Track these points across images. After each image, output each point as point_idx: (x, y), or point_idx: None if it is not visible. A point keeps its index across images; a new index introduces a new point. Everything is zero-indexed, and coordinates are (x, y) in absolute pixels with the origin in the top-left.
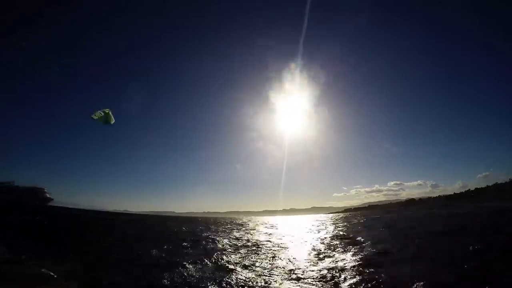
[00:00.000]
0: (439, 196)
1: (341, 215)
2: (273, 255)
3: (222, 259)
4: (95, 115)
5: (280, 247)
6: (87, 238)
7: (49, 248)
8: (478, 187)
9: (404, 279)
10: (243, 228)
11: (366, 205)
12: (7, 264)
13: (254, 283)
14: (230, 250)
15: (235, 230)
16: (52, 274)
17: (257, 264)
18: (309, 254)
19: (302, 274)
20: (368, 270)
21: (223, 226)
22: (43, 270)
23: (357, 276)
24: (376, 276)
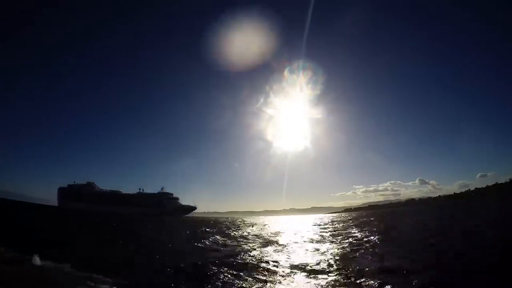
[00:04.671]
0: (439, 196)
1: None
2: None
3: None
4: None
5: None
6: None
7: None
8: (478, 187)
9: None
10: None
11: (366, 205)
12: (7, 264)
13: None
14: None
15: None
16: (54, 274)
17: None
18: None
19: None
20: None
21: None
22: (44, 269)
23: None
24: None
